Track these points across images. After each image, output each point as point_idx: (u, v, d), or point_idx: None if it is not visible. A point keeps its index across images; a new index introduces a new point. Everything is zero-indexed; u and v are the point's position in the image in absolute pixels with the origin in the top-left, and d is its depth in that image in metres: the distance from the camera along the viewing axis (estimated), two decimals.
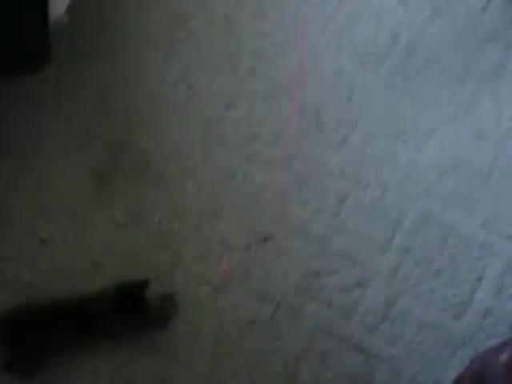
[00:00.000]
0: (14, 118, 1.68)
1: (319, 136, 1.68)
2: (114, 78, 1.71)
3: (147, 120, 1.67)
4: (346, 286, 1.56)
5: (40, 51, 1.48)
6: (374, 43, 1.77)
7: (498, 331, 1.53)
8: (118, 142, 1.64)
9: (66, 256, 1.55)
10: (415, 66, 1.76)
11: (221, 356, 1.48)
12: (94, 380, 1.46)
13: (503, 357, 1.10)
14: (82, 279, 1.53)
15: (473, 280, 1.58)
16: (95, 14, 1.74)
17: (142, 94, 1.69)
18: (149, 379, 1.47)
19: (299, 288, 1.54)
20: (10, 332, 1.45)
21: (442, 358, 1.52)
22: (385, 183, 1.65)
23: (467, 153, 1.69)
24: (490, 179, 1.67)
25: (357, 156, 1.67)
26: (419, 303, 1.56)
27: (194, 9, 1.77)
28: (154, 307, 1.47)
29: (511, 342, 1.15)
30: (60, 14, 1.50)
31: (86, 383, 1.46)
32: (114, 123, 1.67)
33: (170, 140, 1.65)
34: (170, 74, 1.70)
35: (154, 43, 1.73)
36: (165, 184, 1.61)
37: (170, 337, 1.49)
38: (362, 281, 1.57)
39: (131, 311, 1.46)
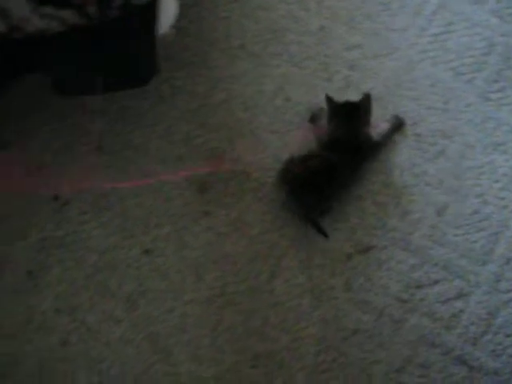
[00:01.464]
0: (114, 131, 1.75)
1: (416, 147, 1.68)
2: (211, 89, 1.76)
3: (246, 132, 1.71)
4: (447, 298, 1.55)
5: (149, 67, 1.53)
6: (469, 54, 1.78)
7: None
8: (218, 153, 1.69)
9: (168, 265, 1.60)
10: (511, 76, 1.76)
11: (323, 365, 1.49)
12: None
13: None
14: (185, 288, 1.57)
15: None
16: (195, 27, 1.79)
17: (239, 106, 1.73)
18: None
19: (400, 299, 1.54)
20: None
21: None
22: (484, 194, 1.64)
23: None
24: None
25: (455, 167, 1.67)
26: None
27: (288, 23, 1.81)
28: None
29: None
30: (166, 29, 1.56)
31: None
32: (214, 134, 1.71)
33: (269, 152, 1.68)
34: (266, 87, 1.74)
35: (251, 56, 1.78)
36: (265, 195, 1.65)
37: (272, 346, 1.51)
38: (463, 292, 1.56)
39: None
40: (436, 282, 1.56)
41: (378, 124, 1.66)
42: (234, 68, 1.77)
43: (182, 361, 1.53)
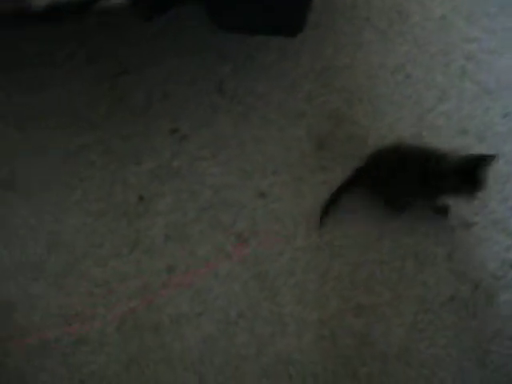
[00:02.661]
0: (238, 77, 1.81)
1: None
2: (336, 53, 1.85)
3: (366, 98, 1.80)
4: None
5: (300, 20, 1.59)
6: None
7: None
8: (338, 114, 1.77)
9: (282, 211, 1.67)
10: None
11: (421, 325, 1.58)
12: None
13: None
14: (297, 234, 1.65)
15: None
16: None
17: (362, 74, 1.82)
18: None
19: (495, 275, 1.64)
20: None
21: None
22: None
23: None
24: None
25: None
26: None
27: (414, 6, 1.90)
28: None
29: None
30: None
31: None
32: (335, 96, 1.79)
33: (385, 121, 1.77)
34: (389, 61, 1.84)
35: (376, 30, 1.87)
36: None
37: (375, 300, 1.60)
38: None
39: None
40: None
41: None
42: (359, 37, 1.86)
43: (288, 302, 1.60)
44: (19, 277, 1.65)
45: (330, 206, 1.65)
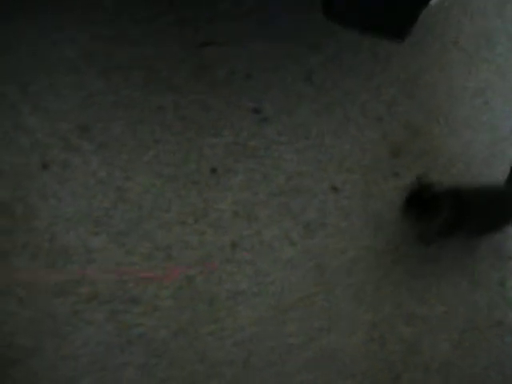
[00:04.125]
0: (326, 70, 1.83)
1: None
2: (419, 69, 1.88)
3: (443, 116, 1.83)
4: None
5: (409, 25, 1.62)
6: None
7: None
8: (415, 127, 1.80)
9: (352, 208, 1.69)
10: None
11: (466, 343, 1.62)
12: None
13: None
14: (363, 234, 1.67)
15: None
16: None
17: (443, 93, 1.86)
18: None
19: None
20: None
21: None
22: None
23: None
24: None
25: None
26: None
27: (502, 37, 1.95)
28: None
29: None
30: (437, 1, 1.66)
31: None
32: (415, 109, 1.82)
33: (459, 141, 1.81)
34: (470, 85, 1.88)
35: (462, 53, 1.91)
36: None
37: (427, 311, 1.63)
38: None
39: None
40: None
41: None
42: (445, 57, 1.90)
43: (342, 299, 1.62)
44: (81, 228, 1.64)
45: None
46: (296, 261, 1.63)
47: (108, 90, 1.77)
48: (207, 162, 1.71)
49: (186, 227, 1.64)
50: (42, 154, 1.72)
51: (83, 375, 1.53)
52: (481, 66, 1.90)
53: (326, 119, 1.77)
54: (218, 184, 1.69)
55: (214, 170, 1.70)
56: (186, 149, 1.72)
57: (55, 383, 1.51)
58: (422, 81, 1.86)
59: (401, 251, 1.66)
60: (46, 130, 1.73)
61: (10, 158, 1.71)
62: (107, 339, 1.55)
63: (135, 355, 1.55)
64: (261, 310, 1.59)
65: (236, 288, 1.60)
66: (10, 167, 1.71)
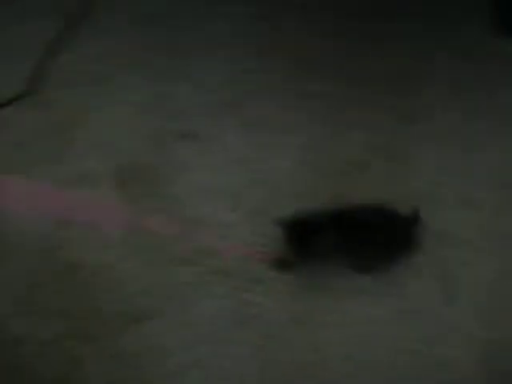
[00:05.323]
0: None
1: None
2: None
3: None
4: None
5: None
6: None
7: None
8: None
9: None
10: None
11: None
12: None
13: None
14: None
15: None
16: None
17: None
18: None
19: None
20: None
21: None
22: None
23: None
24: None
25: None
26: None
27: None
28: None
29: None
30: None
31: None
32: None
33: None
34: None
35: None
36: None
37: None
38: None
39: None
40: None
41: None
42: None
43: (462, 311, 1.56)
44: (216, 201, 1.67)
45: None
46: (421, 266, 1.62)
47: (261, 70, 1.79)
48: (348, 155, 1.71)
49: None
50: (187, 123, 1.76)
51: (199, 344, 1.57)
52: None
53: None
54: (356, 179, 1.68)
55: (355, 164, 1.70)
56: (327, 139, 1.72)
57: (173, 347, 1.56)
58: None
59: None
60: (193, 101, 1.77)
61: (156, 123, 1.76)
62: (226, 313, 1.59)
63: (250, 333, 1.57)
64: (381, 309, 1.56)
65: (359, 284, 1.60)
66: (154, 132, 1.76)
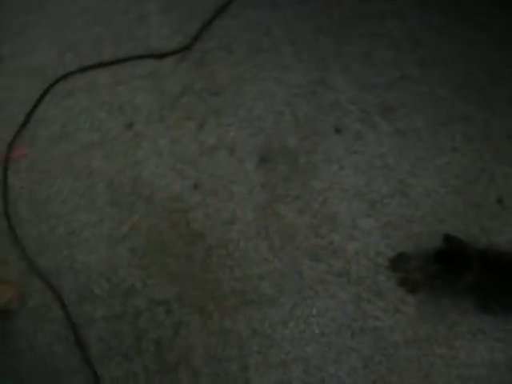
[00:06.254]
0: None
1: None
2: None
3: None
4: None
5: None
6: None
7: None
8: None
9: None
10: None
11: None
12: None
13: None
14: None
15: None
16: None
17: None
18: None
19: None
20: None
21: None
22: None
23: None
24: None
25: None
26: None
27: None
28: None
29: None
30: None
31: None
32: None
33: None
34: None
35: None
36: None
37: None
38: None
39: None
40: None
41: None
42: None
43: None
44: (354, 203, 1.62)
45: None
46: None
47: (423, 80, 1.73)
48: (496, 189, 1.64)
49: None
50: (338, 116, 1.71)
51: (308, 342, 1.54)
52: None
53: None
54: (500, 215, 1.62)
55: (500, 200, 1.63)
56: (480, 169, 1.65)
57: (281, 338, 1.53)
58: None
59: None
60: (348, 95, 1.72)
61: (308, 109, 1.71)
62: (342, 319, 1.55)
63: (363, 345, 1.53)
64: (499, 356, 1.51)
65: (481, 325, 1.55)
66: (305, 117, 1.71)
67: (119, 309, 1.58)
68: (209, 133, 1.69)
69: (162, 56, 1.75)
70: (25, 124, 1.72)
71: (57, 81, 1.75)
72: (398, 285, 1.56)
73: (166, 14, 1.82)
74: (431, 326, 1.54)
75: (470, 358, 1.52)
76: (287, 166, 1.65)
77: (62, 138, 1.71)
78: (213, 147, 1.68)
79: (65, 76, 1.76)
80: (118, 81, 1.76)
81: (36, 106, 1.73)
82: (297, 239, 1.60)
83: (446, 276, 1.48)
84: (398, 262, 1.57)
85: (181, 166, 1.66)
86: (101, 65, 1.76)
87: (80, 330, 1.57)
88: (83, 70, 1.76)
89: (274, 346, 1.54)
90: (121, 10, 1.84)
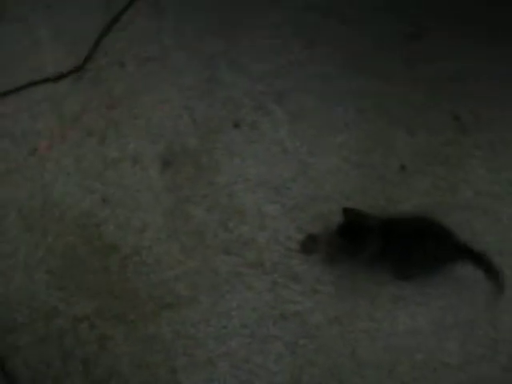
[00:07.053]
0: None
1: None
2: None
3: None
4: None
5: None
6: None
7: None
8: None
9: None
10: None
11: None
12: None
13: None
14: None
15: None
16: None
17: None
18: None
19: None
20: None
21: None
22: None
23: None
24: None
25: None
26: None
27: None
28: None
29: None
30: None
31: None
32: None
33: None
34: None
35: None
36: None
37: None
38: None
39: None
40: None
41: None
42: None
43: (505, 330, 1.52)
44: (259, 192, 1.64)
45: None
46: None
47: (310, 62, 1.76)
48: (397, 157, 1.66)
49: None
50: (233, 110, 1.73)
51: (232, 336, 1.54)
52: None
53: None
54: (403, 183, 1.63)
55: (402, 168, 1.65)
56: (377, 139, 1.67)
57: (205, 336, 1.54)
58: None
59: None
60: (241, 88, 1.74)
61: (203, 108, 1.74)
62: (262, 308, 1.55)
63: (286, 331, 1.53)
64: (421, 320, 1.54)
65: (400, 292, 1.56)
66: (201, 117, 1.73)
67: (43, 332, 1.57)
68: (110, 146, 1.71)
69: (57, 79, 1.78)
70: None
71: None
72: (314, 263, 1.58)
73: (58, 38, 1.86)
74: (351, 301, 1.55)
75: (393, 327, 1.53)
76: (190, 166, 1.67)
77: None
78: (116, 160, 1.69)
79: None
80: (18, 109, 1.79)
81: None
82: (207, 237, 1.61)
83: (350, 249, 1.49)
84: (308, 244, 1.58)
85: (87, 182, 1.68)
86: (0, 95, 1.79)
87: (6, 361, 1.57)
88: None
89: (199, 345, 1.54)
90: (14, 39, 1.88)
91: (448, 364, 1.51)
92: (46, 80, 1.78)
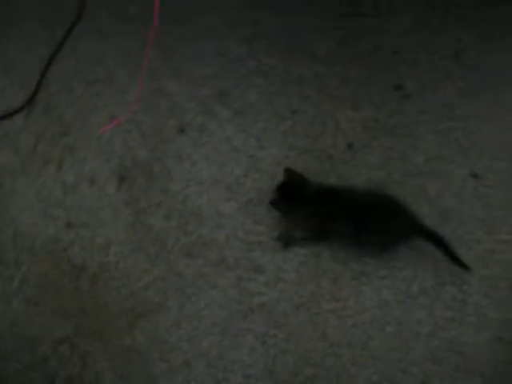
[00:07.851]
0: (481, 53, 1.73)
1: None
2: None
3: None
4: None
5: None
6: None
7: None
8: None
9: (492, 198, 1.58)
10: None
11: None
12: None
13: None
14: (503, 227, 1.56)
15: None
16: None
17: None
18: None
19: None
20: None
21: None
22: None
23: None
24: None
25: None
26: None
27: None
28: None
29: None
30: None
31: None
32: None
33: None
34: None
35: None
36: None
37: None
38: None
39: None
40: None
41: None
42: None
43: (474, 292, 1.51)
44: (213, 193, 1.67)
45: None
46: (428, 250, 1.54)
47: (249, 57, 1.78)
48: (344, 136, 1.66)
49: None
50: (180, 117, 1.77)
51: (204, 336, 1.57)
52: None
53: (471, 100, 1.65)
54: (353, 160, 1.64)
55: (350, 145, 1.66)
56: (323, 121, 1.68)
57: (177, 340, 1.57)
58: None
59: None
60: (185, 95, 1.78)
61: (150, 120, 1.78)
62: (230, 304, 1.58)
63: (255, 324, 1.56)
64: (387, 293, 1.54)
65: (362, 268, 1.56)
66: (149, 129, 1.77)
67: (28, 358, 1.63)
68: (68, 171, 1.75)
69: (11, 115, 1.84)
70: None
71: None
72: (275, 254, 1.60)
73: (6, 75, 1.91)
74: (314, 284, 1.56)
75: (360, 304, 1.54)
76: (144, 178, 1.70)
77: None
78: (74, 183, 1.74)
79: None
80: None
81: None
82: (169, 243, 1.64)
83: (285, 206, 1.53)
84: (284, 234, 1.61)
85: (51, 210, 1.73)
86: None
87: None
88: None
89: (174, 349, 1.57)
90: None
91: (419, 332, 1.51)
92: (3, 117, 1.84)
